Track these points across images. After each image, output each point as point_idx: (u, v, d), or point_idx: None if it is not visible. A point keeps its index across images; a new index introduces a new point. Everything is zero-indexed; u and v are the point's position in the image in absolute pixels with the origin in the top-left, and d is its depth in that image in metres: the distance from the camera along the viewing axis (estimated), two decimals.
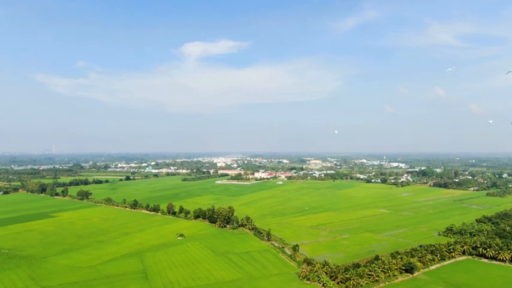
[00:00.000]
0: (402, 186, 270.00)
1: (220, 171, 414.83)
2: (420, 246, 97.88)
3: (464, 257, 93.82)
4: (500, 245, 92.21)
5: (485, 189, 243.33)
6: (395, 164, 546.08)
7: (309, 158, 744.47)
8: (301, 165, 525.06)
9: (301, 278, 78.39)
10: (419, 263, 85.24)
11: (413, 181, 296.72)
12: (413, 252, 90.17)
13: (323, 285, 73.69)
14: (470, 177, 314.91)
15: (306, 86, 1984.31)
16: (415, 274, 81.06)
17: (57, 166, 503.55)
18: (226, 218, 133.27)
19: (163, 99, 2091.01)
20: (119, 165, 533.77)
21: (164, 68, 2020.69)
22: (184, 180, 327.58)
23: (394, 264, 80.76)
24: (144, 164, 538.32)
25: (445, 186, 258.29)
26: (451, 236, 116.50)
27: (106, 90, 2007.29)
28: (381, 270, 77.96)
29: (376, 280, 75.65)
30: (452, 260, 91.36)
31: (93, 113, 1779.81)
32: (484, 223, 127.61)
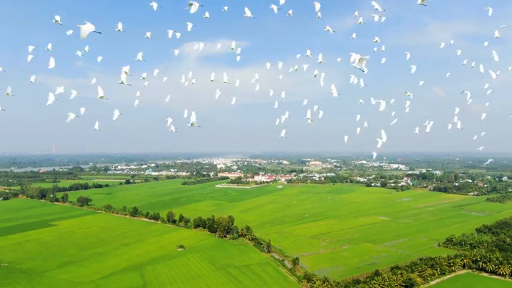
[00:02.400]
0: (402, 190, 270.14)
1: (220, 174, 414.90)
2: (420, 259, 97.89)
3: (464, 271, 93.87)
4: (500, 259, 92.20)
5: (485, 193, 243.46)
6: (395, 166, 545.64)
7: (308, 159, 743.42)
8: (301, 167, 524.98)
9: None
10: (419, 279, 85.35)
11: (413, 185, 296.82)
12: (413, 267, 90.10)
13: None
14: (470, 180, 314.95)
15: (306, 86, 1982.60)
16: None
17: (57, 168, 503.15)
18: (226, 227, 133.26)
19: (162, 99, 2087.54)
20: (119, 167, 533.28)
21: (164, 68, 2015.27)
22: (184, 184, 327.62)
23: (394, 280, 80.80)
24: (144, 166, 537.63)
25: (445, 190, 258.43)
26: (451, 247, 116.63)
27: (105, 90, 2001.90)
28: (381, 287, 78.05)
29: None
30: (453, 275, 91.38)
31: (93, 113, 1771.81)
32: (484, 233, 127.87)
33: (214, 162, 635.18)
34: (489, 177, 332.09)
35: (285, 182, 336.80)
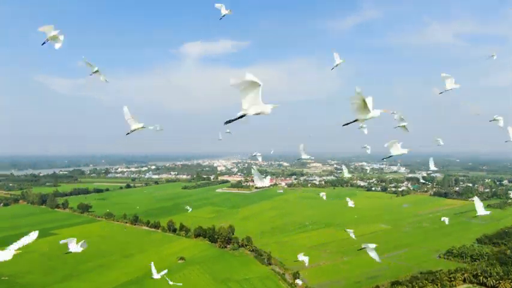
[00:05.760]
0: (402, 195, 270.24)
1: (220, 177, 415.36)
2: (421, 273, 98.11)
3: (465, 286, 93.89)
4: (501, 273, 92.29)
5: (485, 199, 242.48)
6: (395, 168, 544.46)
7: (309, 160, 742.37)
8: (301, 169, 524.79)
9: None
10: None
11: (413, 189, 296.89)
12: (413, 282, 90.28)
13: None
14: (470, 184, 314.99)
15: (306, 86, 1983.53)
16: None
17: (57, 171, 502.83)
18: (227, 238, 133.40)
19: (162, 99, 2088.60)
20: (119, 169, 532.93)
21: (164, 68, 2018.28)
22: (185, 188, 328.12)
23: None
24: (144, 168, 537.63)
25: (445, 195, 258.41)
26: (452, 258, 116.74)
27: (106, 91, 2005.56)
28: None
29: None
30: None
31: (93, 113, 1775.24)
32: (485, 243, 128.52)
33: (215, 164, 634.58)
34: (489, 181, 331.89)
35: (286, 186, 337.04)
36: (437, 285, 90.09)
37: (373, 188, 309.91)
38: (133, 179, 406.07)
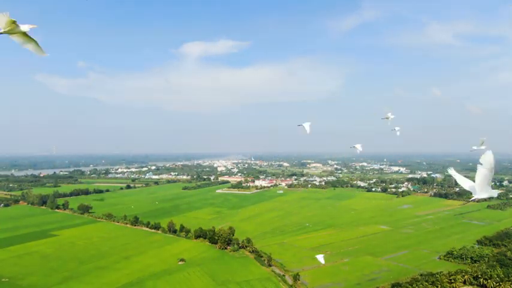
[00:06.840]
0: (403, 196, 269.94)
1: (220, 178, 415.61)
2: (421, 275, 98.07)
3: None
4: (501, 276, 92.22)
5: (485, 200, 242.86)
6: (395, 168, 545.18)
7: (309, 161, 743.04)
8: (301, 170, 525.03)
9: None
10: None
11: (413, 190, 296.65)
12: (414, 284, 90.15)
13: None
14: None
15: (306, 86, 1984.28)
16: None
17: (57, 171, 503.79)
18: (227, 239, 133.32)
19: (163, 99, 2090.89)
20: (119, 170, 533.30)
21: (164, 68, 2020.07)
22: (185, 188, 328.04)
23: None
24: (144, 169, 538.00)
25: (446, 196, 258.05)
26: (452, 260, 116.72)
27: (106, 91, 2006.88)
28: None
29: None
30: None
31: (93, 113, 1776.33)
32: (485, 245, 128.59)
33: (215, 165, 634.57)
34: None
35: (286, 187, 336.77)
36: (437, 287, 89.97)
37: (373, 189, 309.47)
38: (134, 180, 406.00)
